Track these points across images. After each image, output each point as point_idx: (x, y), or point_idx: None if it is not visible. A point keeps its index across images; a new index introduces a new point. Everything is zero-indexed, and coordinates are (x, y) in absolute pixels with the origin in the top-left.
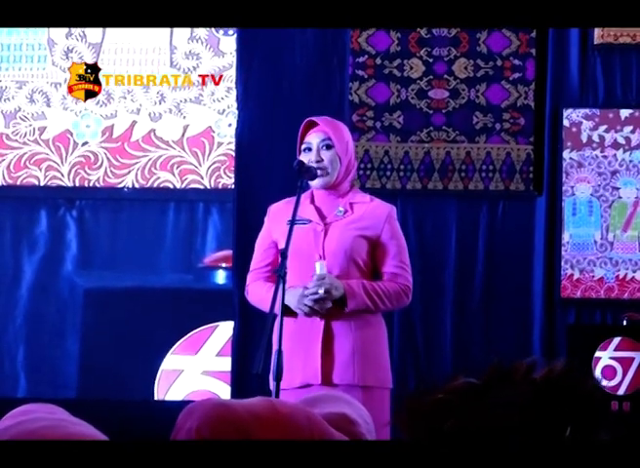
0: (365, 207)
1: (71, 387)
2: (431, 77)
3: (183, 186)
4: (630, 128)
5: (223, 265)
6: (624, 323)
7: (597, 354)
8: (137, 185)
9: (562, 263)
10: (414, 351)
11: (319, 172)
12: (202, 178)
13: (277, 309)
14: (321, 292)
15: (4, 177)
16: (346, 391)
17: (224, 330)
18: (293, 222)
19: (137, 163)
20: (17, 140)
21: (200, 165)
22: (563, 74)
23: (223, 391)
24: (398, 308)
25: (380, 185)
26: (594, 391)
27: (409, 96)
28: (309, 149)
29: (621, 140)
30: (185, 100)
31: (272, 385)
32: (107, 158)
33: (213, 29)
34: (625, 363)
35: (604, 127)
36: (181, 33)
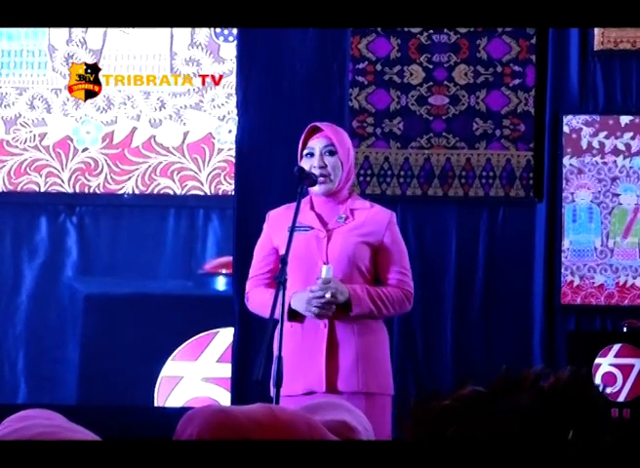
0: (366, 213)
1: (71, 393)
2: (431, 83)
3: (184, 192)
4: (630, 134)
5: (224, 272)
6: (625, 329)
7: (597, 361)
8: (137, 192)
9: (562, 270)
10: (413, 357)
11: (322, 178)
12: (202, 185)
13: (277, 315)
14: (328, 295)
15: (4, 184)
16: (350, 398)
17: (225, 336)
18: (293, 229)
19: (137, 169)
20: (17, 147)
21: (200, 171)
22: (563, 80)
23: (224, 397)
24: (400, 314)
25: (380, 191)
26: (598, 399)
27: (409, 102)
28: (312, 155)
29: (621, 147)
30: (185, 107)
31: (273, 392)
32: (108, 164)
33: (213, 36)
34: (626, 370)
35: (604, 133)
36: (182, 39)
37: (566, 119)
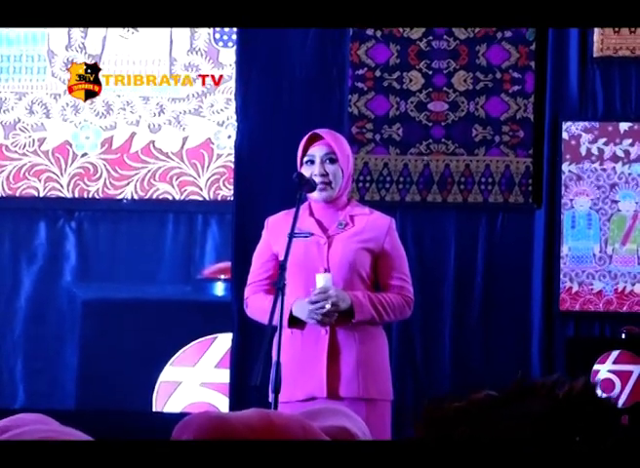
0: (365, 219)
1: (70, 398)
2: (431, 90)
3: (182, 198)
4: (629, 141)
5: (222, 277)
6: (623, 336)
7: (596, 367)
8: (136, 197)
9: (561, 276)
10: (412, 363)
11: (322, 186)
12: (201, 190)
13: (276, 321)
14: (328, 306)
15: (3, 188)
16: (351, 404)
17: (223, 341)
18: (292, 235)
19: (136, 174)
20: (16, 151)
21: (199, 176)
22: (562, 87)
23: (222, 403)
24: (400, 319)
25: (379, 198)
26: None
27: (408, 108)
28: (312, 162)
29: (620, 153)
30: (185, 112)
31: (271, 397)
32: (107, 169)
33: (212, 41)
34: (624, 376)
35: (603, 140)
36: (181, 45)
37: (565, 125)
